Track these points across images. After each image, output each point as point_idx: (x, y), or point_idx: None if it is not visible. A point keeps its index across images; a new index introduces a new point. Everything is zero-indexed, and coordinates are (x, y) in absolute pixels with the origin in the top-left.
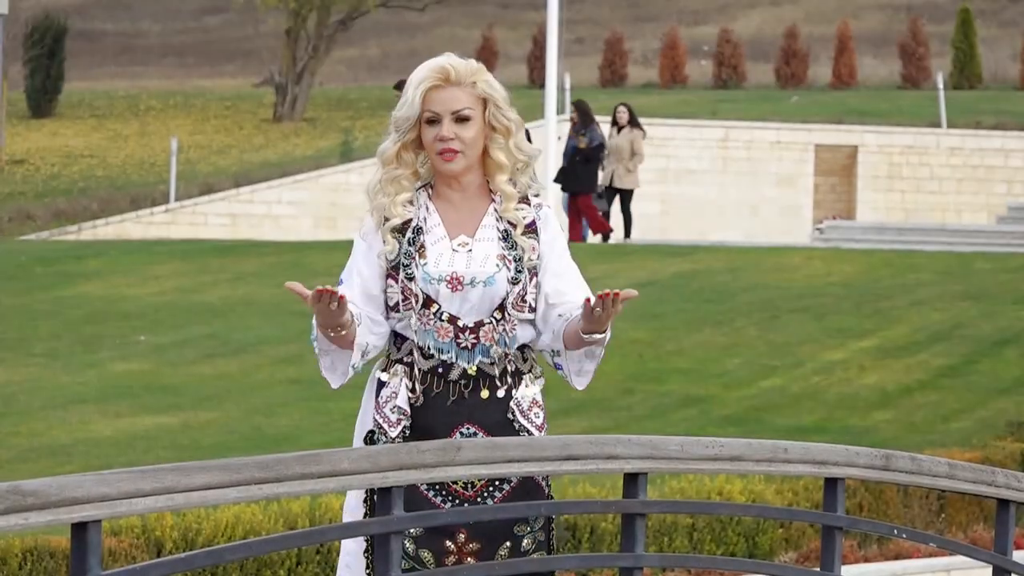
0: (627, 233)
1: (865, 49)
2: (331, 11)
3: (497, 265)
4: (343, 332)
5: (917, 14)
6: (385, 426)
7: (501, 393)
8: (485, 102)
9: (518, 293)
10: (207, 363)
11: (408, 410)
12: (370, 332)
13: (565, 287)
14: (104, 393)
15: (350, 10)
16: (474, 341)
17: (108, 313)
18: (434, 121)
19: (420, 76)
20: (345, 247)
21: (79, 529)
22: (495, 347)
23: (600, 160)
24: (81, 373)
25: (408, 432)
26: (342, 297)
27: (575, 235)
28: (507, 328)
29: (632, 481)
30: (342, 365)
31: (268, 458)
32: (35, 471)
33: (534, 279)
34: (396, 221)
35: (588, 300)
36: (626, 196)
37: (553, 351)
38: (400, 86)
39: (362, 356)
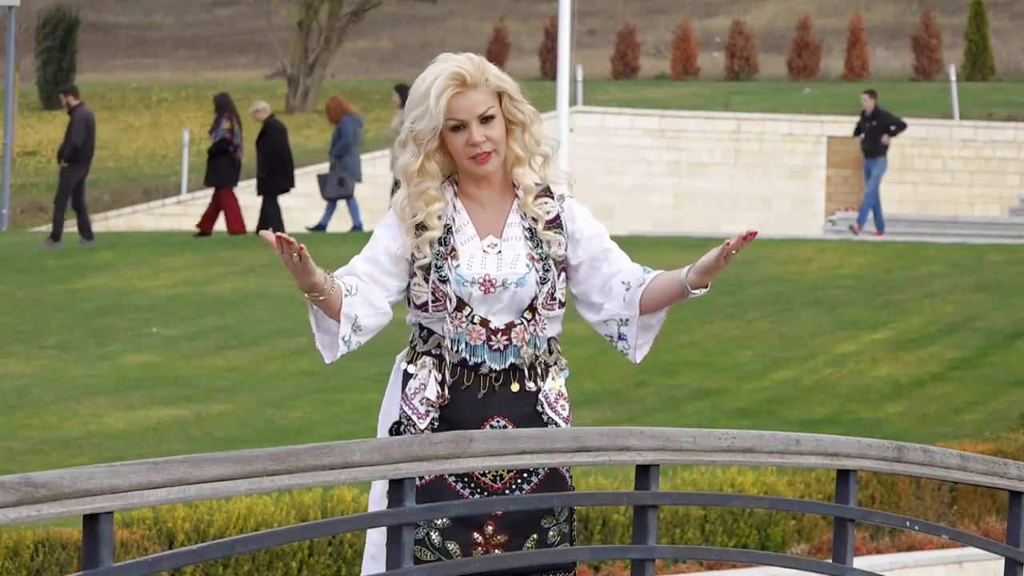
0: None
1: (877, 41)
2: (343, 3)
3: (527, 266)
4: (321, 297)
5: (929, 6)
6: (414, 418)
7: (531, 386)
8: (500, 96)
9: (547, 292)
10: (219, 355)
11: (436, 402)
12: (363, 306)
13: (615, 256)
14: (116, 385)
15: (362, 2)
16: (506, 343)
17: (120, 305)
18: (459, 127)
19: (438, 86)
20: (356, 239)
21: (91, 521)
22: (525, 348)
23: (230, 154)
24: (93, 365)
25: (436, 424)
26: (301, 248)
27: (206, 227)
28: (537, 328)
29: (644, 473)
30: (332, 336)
31: (280, 450)
32: (47, 463)
33: (562, 274)
34: (435, 233)
35: (727, 243)
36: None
37: (621, 320)
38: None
39: (352, 330)
